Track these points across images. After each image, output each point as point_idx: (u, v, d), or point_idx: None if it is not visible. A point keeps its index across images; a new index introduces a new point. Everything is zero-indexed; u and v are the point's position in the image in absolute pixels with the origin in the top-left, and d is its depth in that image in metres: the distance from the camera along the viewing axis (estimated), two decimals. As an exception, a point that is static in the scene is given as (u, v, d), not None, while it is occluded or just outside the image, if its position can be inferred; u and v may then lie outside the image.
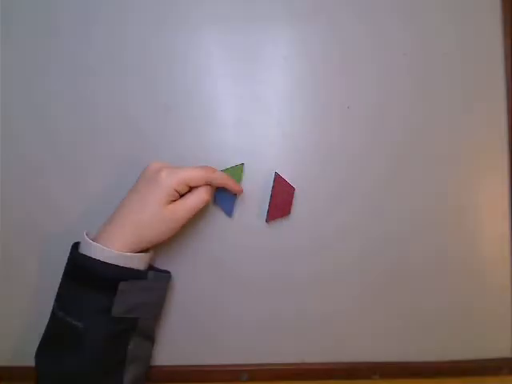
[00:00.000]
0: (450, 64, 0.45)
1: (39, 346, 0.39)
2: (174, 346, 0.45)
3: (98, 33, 0.44)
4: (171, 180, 0.37)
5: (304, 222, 0.45)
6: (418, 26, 0.45)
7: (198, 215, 0.44)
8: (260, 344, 0.45)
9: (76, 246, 0.39)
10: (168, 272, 0.43)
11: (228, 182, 0.40)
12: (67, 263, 0.39)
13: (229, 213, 0.44)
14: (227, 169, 0.43)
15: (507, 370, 0.46)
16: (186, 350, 0.45)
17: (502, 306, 0.46)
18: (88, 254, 0.37)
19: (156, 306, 0.42)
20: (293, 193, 0.44)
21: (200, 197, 0.39)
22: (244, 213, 0.45)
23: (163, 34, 0.44)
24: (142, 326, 0.39)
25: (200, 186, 0.39)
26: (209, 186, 0.39)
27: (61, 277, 0.39)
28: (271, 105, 0.45)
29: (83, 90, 0.44)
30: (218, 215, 0.44)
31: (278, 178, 0.43)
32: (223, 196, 0.43)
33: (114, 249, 0.36)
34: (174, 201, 0.38)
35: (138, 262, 0.38)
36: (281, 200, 0.44)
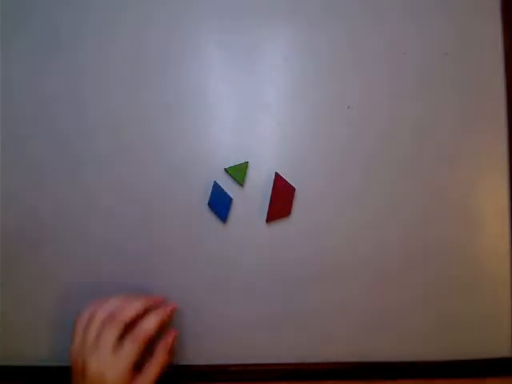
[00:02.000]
0: (450, 64, 0.45)
1: None
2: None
3: (98, 33, 0.44)
4: (121, 379, 0.35)
5: (304, 222, 0.45)
6: (417, 26, 0.45)
7: (197, 217, 0.44)
8: (260, 344, 0.45)
9: None
10: None
11: (161, 320, 0.38)
12: None
13: (223, 218, 0.44)
14: (231, 167, 0.44)
15: (507, 370, 0.46)
16: (186, 349, 0.45)
17: (502, 305, 0.46)
18: None
19: None
20: (293, 193, 0.44)
21: (153, 370, 0.38)
22: (244, 213, 0.45)
23: (163, 35, 0.44)
24: None
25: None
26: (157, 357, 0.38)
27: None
28: (271, 105, 0.45)
29: (83, 90, 0.44)
30: (216, 216, 0.44)
31: (278, 178, 0.43)
32: (218, 201, 0.43)
33: None
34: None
35: None
36: (281, 200, 0.44)
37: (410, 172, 0.45)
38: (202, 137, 0.45)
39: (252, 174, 0.44)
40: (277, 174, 0.44)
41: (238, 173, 0.44)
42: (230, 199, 0.44)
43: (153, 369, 0.38)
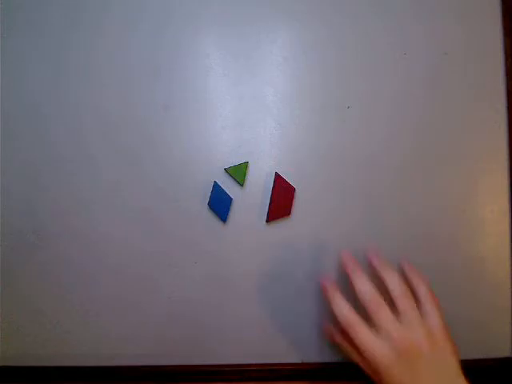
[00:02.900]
0: (451, 64, 0.45)
1: None
2: (174, 345, 0.45)
3: (98, 33, 0.44)
4: (451, 343, 0.35)
5: (304, 222, 0.45)
6: (417, 26, 0.45)
7: (197, 217, 0.44)
8: (260, 344, 0.45)
9: None
10: None
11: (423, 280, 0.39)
12: None
13: (223, 218, 0.44)
14: (231, 167, 0.44)
15: (507, 370, 0.46)
16: (186, 349, 0.45)
17: (502, 306, 0.46)
18: None
19: None
20: (293, 193, 0.44)
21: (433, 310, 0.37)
22: (244, 213, 0.45)
23: (163, 35, 0.44)
24: None
25: None
26: None
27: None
28: (271, 105, 0.45)
29: (83, 89, 0.44)
30: (216, 216, 0.44)
31: (278, 178, 0.43)
32: (218, 201, 0.43)
33: None
34: None
35: None
36: (281, 200, 0.44)
37: (409, 172, 0.45)
38: (202, 137, 0.45)
39: (252, 174, 0.44)
40: (277, 173, 0.44)
41: (238, 173, 0.44)
42: (230, 199, 0.44)
43: (436, 313, 0.36)
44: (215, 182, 0.44)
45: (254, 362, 0.45)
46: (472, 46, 0.45)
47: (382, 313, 0.35)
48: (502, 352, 0.46)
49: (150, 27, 0.44)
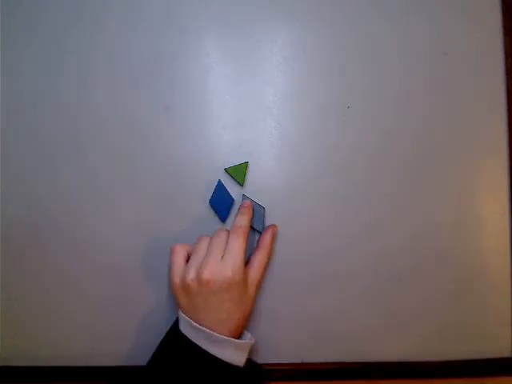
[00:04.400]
0: (451, 64, 0.45)
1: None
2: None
3: (97, 33, 0.44)
4: (238, 274, 0.38)
5: (304, 222, 0.45)
6: (418, 26, 0.45)
7: (197, 217, 0.44)
8: (260, 344, 0.45)
9: (176, 325, 0.39)
10: (264, 371, 0.43)
11: (250, 214, 0.42)
12: (174, 345, 0.38)
13: (223, 218, 0.44)
14: (231, 167, 0.44)
15: (507, 370, 0.46)
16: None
17: (502, 305, 0.46)
18: (194, 338, 0.37)
19: None
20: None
21: (260, 259, 0.41)
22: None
23: (163, 35, 0.44)
24: None
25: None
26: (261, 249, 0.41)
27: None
28: (271, 105, 0.45)
29: (82, 90, 0.44)
30: (216, 216, 0.44)
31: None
32: (220, 200, 0.43)
33: (224, 334, 0.37)
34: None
35: (245, 351, 0.38)
36: None
37: (409, 172, 0.45)
38: (202, 137, 0.45)
39: (252, 174, 0.44)
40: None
41: (238, 173, 0.44)
42: (232, 200, 0.44)
43: (260, 258, 0.41)
44: (219, 180, 0.44)
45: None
46: (472, 46, 0.45)
47: (199, 244, 0.40)
48: (502, 352, 0.46)
49: (150, 27, 0.44)
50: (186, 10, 0.44)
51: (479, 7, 0.45)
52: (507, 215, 0.46)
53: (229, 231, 0.40)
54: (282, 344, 0.45)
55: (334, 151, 0.45)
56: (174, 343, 0.38)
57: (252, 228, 0.43)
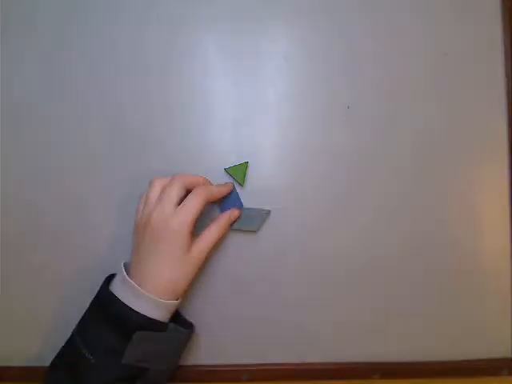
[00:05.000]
0: (450, 64, 0.45)
1: (52, 363, 0.39)
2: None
3: (97, 33, 0.44)
4: (183, 227, 0.37)
5: (304, 222, 0.45)
6: (418, 26, 0.45)
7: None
8: (260, 344, 0.45)
9: (109, 278, 0.39)
10: (190, 326, 0.42)
11: (224, 194, 0.42)
12: (96, 295, 0.39)
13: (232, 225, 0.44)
14: (231, 167, 0.44)
15: (507, 370, 0.46)
16: (187, 350, 0.45)
17: (502, 306, 0.46)
18: (119, 288, 0.37)
19: (169, 359, 0.40)
20: None
21: (213, 232, 0.40)
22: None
23: (163, 34, 0.44)
24: (153, 376, 0.38)
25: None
26: (216, 222, 0.41)
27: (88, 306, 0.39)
28: (271, 105, 0.45)
29: (82, 90, 0.44)
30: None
31: None
32: (229, 204, 0.43)
33: (147, 290, 0.36)
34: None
35: (166, 310, 0.38)
36: None
37: (409, 172, 0.45)
38: (202, 137, 0.45)
39: (252, 174, 0.44)
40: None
41: (238, 173, 0.44)
42: (241, 206, 0.44)
43: (212, 230, 0.40)
44: (234, 187, 0.43)
45: (254, 362, 0.45)
46: (472, 46, 0.45)
47: (156, 187, 0.39)
48: (502, 352, 0.46)
49: (150, 27, 0.44)
50: (186, 10, 0.44)
51: (479, 7, 0.45)
52: (507, 215, 0.46)
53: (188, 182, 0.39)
54: (281, 344, 0.45)
55: (333, 151, 0.45)
56: (99, 298, 0.38)
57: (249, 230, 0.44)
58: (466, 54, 0.45)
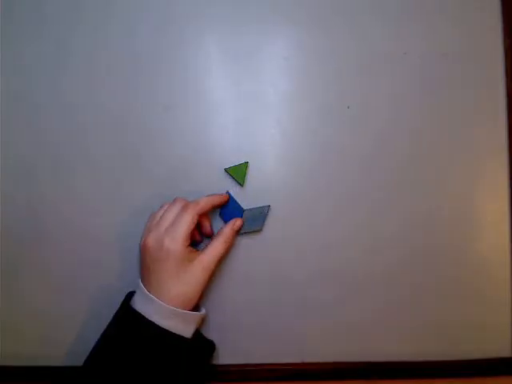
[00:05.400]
0: (450, 64, 0.45)
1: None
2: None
3: (98, 32, 0.44)
4: (176, 244, 0.38)
5: (304, 222, 0.45)
6: (417, 26, 0.45)
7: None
8: (260, 344, 0.45)
9: (130, 295, 0.40)
10: (212, 344, 0.43)
11: (214, 202, 0.42)
12: (122, 318, 0.39)
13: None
14: (231, 167, 0.44)
15: (507, 370, 0.46)
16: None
17: (502, 306, 0.46)
18: (143, 307, 0.38)
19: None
20: None
21: (217, 245, 0.41)
22: (244, 213, 0.45)
23: (163, 35, 0.44)
24: None
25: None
26: (219, 237, 0.41)
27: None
28: (271, 105, 0.45)
29: (83, 89, 0.44)
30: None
31: None
32: (229, 212, 0.43)
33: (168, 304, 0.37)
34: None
35: (187, 322, 0.39)
36: None
37: (409, 172, 0.45)
38: (201, 137, 0.45)
39: (252, 174, 0.44)
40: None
41: (238, 173, 0.44)
42: (242, 210, 0.44)
43: (217, 245, 0.41)
44: (228, 192, 0.44)
45: (254, 362, 0.45)
46: (472, 46, 0.45)
47: (158, 211, 0.41)
48: (502, 352, 0.46)
49: (150, 27, 0.44)
50: (186, 11, 0.44)
51: (479, 7, 0.45)
52: (507, 215, 0.46)
53: (185, 203, 0.40)
54: (281, 343, 0.45)
55: (333, 151, 0.45)
56: (121, 315, 0.39)
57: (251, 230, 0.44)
58: (465, 54, 0.45)
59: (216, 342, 0.44)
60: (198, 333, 0.41)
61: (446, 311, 0.46)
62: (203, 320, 0.41)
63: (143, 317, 0.37)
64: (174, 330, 0.37)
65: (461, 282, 0.46)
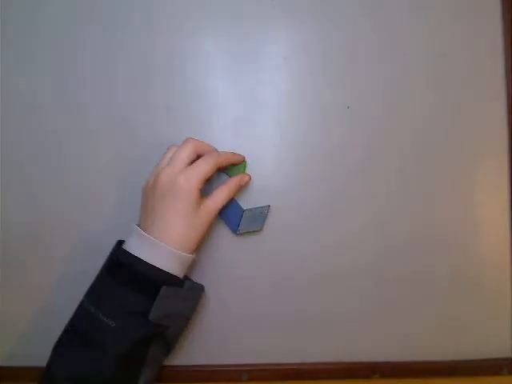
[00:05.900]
0: (451, 64, 0.45)
1: (59, 340, 0.38)
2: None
3: (97, 33, 0.44)
4: (191, 183, 0.37)
5: (304, 223, 0.45)
6: (417, 26, 0.45)
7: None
8: (260, 344, 0.45)
9: (120, 242, 0.40)
10: (201, 285, 0.42)
11: (233, 160, 0.42)
12: (108, 259, 0.39)
13: (234, 229, 0.44)
14: (231, 167, 0.44)
15: (507, 370, 0.46)
16: (187, 350, 0.45)
17: (502, 306, 0.46)
18: (136, 247, 0.37)
19: (186, 317, 0.41)
20: None
21: (222, 192, 0.41)
22: (244, 213, 0.44)
23: (163, 35, 0.44)
24: (168, 334, 0.39)
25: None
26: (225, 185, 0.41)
27: (98, 273, 0.39)
28: (271, 105, 0.45)
29: (83, 89, 0.44)
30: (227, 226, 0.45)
31: None
32: (229, 211, 0.43)
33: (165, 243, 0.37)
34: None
35: (184, 264, 0.39)
36: None
37: (409, 172, 0.45)
38: (201, 137, 0.44)
39: (252, 174, 0.44)
40: None
41: (238, 173, 0.44)
42: (242, 210, 0.44)
43: (222, 191, 0.40)
44: None
45: (254, 362, 0.45)
46: (472, 46, 0.45)
47: (168, 152, 0.40)
48: (502, 352, 0.46)
49: (150, 27, 0.44)
50: (186, 10, 0.44)
51: (479, 7, 0.45)
52: (507, 215, 0.46)
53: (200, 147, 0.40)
54: (282, 344, 0.45)
55: (333, 151, 0.45)
56: (115, 261, 0.38)
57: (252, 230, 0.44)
58: (465, 54, 0.45)
59: (216, 341, 0.44)
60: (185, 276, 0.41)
61: (446, 311, 0.46)
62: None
63: (142, 260, 0.36)
64: (172, 271, 0.37)
65: (461, 282, 0.46)
